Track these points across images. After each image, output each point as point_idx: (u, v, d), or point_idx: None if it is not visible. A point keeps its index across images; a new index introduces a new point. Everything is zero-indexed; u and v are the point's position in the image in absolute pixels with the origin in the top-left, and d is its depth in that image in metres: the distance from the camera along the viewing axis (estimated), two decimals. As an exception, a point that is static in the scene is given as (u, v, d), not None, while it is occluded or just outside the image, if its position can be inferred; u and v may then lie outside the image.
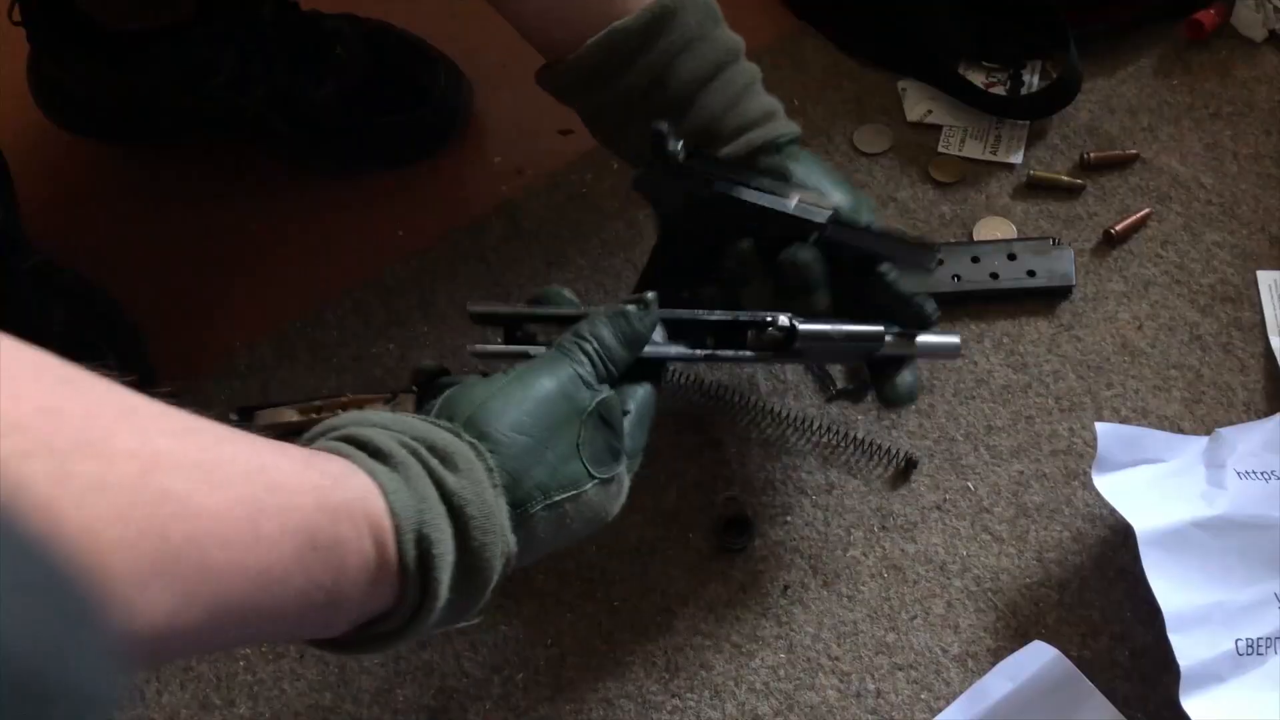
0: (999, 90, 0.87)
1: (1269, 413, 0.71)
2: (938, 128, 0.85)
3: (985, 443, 0.72)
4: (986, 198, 0.82)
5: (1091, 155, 0.83)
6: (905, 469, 0.71)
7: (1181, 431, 0.71)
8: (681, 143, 0.61)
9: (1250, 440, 0.65)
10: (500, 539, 0.46)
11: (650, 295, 0.55)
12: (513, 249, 0.83)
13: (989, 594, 0.66)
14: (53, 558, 0.26)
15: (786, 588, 0.67)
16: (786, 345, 0.59)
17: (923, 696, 0.63)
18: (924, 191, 0.83)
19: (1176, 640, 0.57)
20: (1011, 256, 0.78)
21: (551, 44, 0.63)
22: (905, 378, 0.64)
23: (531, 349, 0.55)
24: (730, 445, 0.72)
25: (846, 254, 0.62)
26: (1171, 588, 0.59)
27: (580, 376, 0.52)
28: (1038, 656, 0.62)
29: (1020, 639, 0.64)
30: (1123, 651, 0.63)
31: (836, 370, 0.75)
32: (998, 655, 0.64)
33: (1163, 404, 0.72)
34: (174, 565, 0.34)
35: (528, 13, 0.64)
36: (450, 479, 0.44)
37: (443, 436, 0.46)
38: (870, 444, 0.71)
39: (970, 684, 0.63)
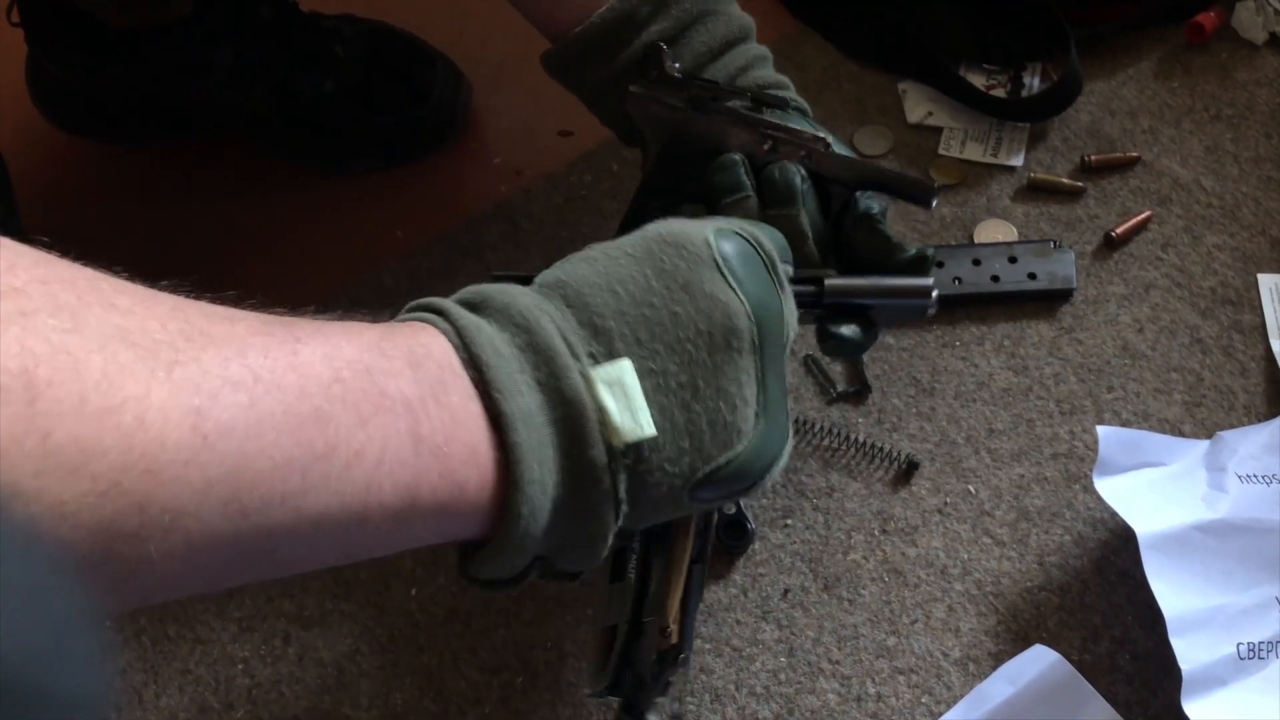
0: (999, 92, 0.87)
1: (1270, 416, 0.70)
2: (938, 130, 0.85)
3: (986, 446, 0.71)
4: (987, 200, 0.82)
5: (1092, 158, 0.83)
6: (906, 472, 0.70)
7: (1182, 435, 0.70)
8: (679, 64, 0.60)
9: (1251, 443, 0.65)
10: (591, 444, 0.42)
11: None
12: (511, 250, 0.83)
13: (990, 598, 0.66)
14: (40, 557, 0.25)
15: (787, 591, 0.67)
16: (815, 304, 0.55)
17: (923, 700, 0.63)
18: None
19: (1178, 644, 0.57)
20: (1012, 259, 0.78)
21: (556, 23, 0.62)
22: (851, 329, 0.56)
23: None
24: (730, 448, 0.72)
25: (837, 191, 0.58)
26: (1173, 591, 0.59)
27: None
28: (1039, 660, 0.62)
29: (1021, 643, 0.64)
30: (1124, 655, 0.63)
31: (837, 372, 0.75)
32: (999, 659, 0.63)
33: (1164, 407, 0.72)
34: (225, 444, 0.33)
35: None
36: (475, 323, 0.43)
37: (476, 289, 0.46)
38: (871, 447, 0.71)
39: (971, 688, 0.63)
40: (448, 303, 0.45)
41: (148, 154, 0.89)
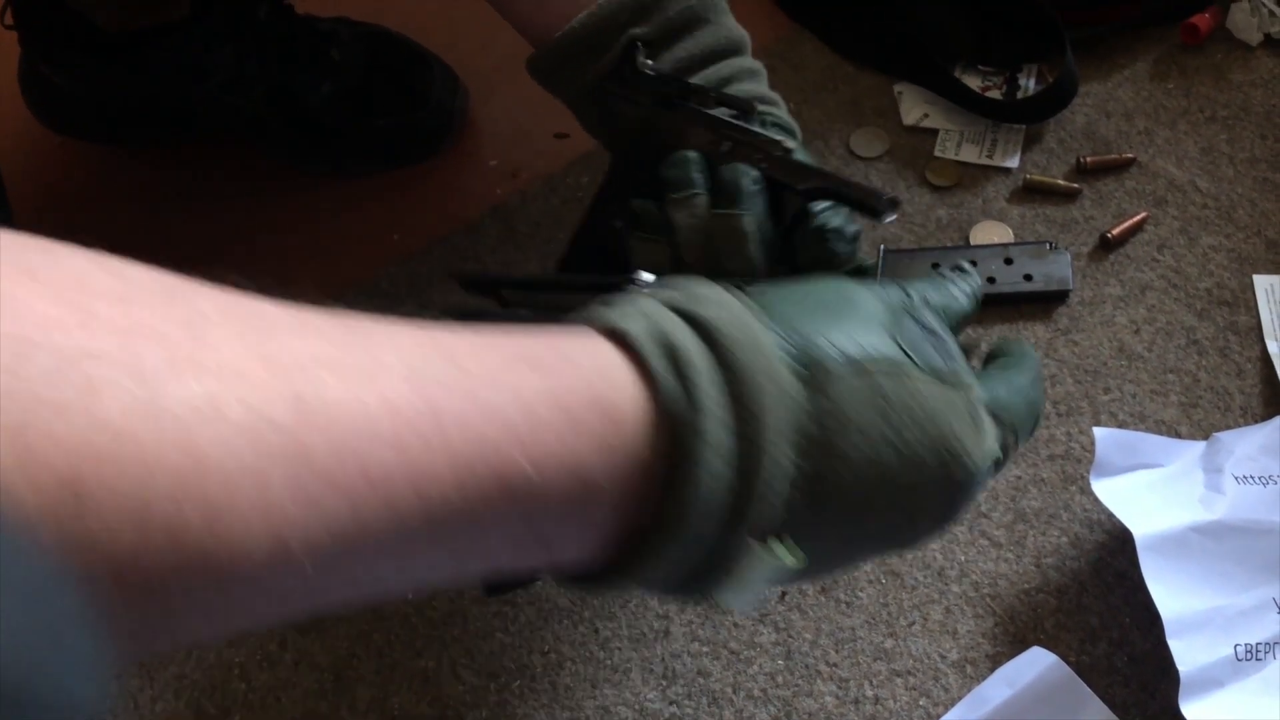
0: (995, 94, 0.87)
1: (1266, 417, 0.70)
2: (934, 132, 0.85)
3: (983, 447, 0.71)
4: (983, 202, 0.82)
5: (1088, 159, 0.83)
6: (903, 474, 0.70)
7: (1179, 436, 0.70)
8: (652, 63, 0.59)
9: (1248, 444, 0.65)
10: (772, 369, 0.35)
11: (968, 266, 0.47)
12: (508, 252, 0.83)
13: (987, 600, 0.66)
14: (37, 558, 0.25)
15: (784, 594, 0.67)
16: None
17: (921, 703, 0.63)
18: (920, 195, 0.83)
19: (1175, 645, 0.57)
20: (1008, 261, 0.78)
21: (538, 27, 0.62)
22: None
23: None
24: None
25: (791, 199, 0.55)
26: (1170, 593, 0.59)
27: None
28: (1036, 662, 0.62)
29: (1019, 645, 0.64)
30: (1121, 657, 0.63)
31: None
32: (996, 661, 0.63)
33: (1160, 408, 0.72)
34: (334, 482, 0.27)
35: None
36: (695, 308, 0.35)
37: (686, 281, 0.37)
38: (868, 449, 0.71)
39: (969, 690, 0.63)
40: (686, 344, 0.35)
41: (143, 157, 0.89)
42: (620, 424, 0.33)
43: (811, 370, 0.36)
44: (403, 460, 0.28)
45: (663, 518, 0.33)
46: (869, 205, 0.54)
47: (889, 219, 0.55)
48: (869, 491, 0.37)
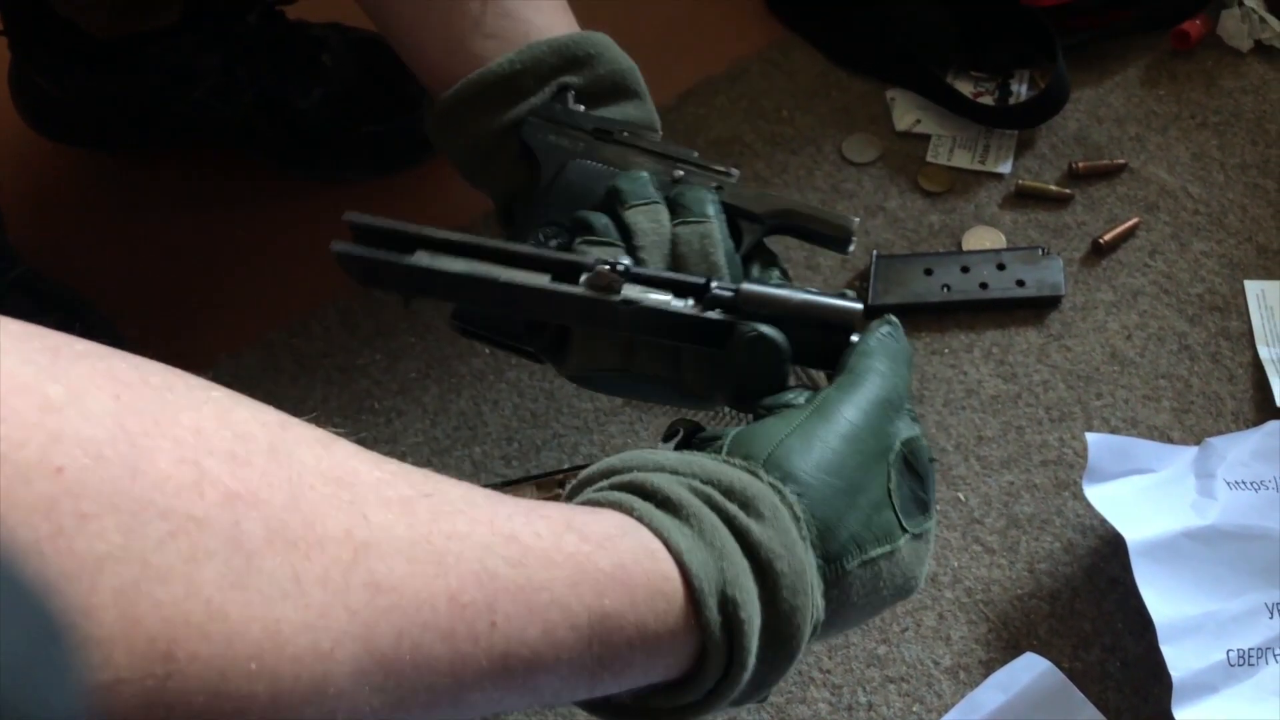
0: (987, 100, 0.87)
1: (1257, 422, 0.71)
2: (926, 137, 0.86)
3: (975, 453, 0.71)
4: (975, 207, 0.82)
5: (1079, 165, 0.83)
6: (896, 479, 0.70)
7: (1171, 441, 0.71)
8: (584, 107, 0.58)
9: (1240, 450, 0.65)
10: (810, 601, 0.39)
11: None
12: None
13: (980, 605, 0.66)
14: (17, 568, 0.25)
15: (777, 600, 0.67)
16: (729, 308, 0.48)
17: (915, 709, 0.63)
18: (913, 201, 0.83)
19: (1168, 651, 0.57)
20: (1001, 266, 0.78)
21: (446, 73, 0.59)
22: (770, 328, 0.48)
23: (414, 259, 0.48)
24: (720, 456, 0.72)
25: (748, 228, 0.55)
26: (1163, 598, 0.59)
27: (888, 402, 0.44)
28: (1030, 668, 0.62)
29: (1012, 650, 0.64)
30: (1114, 662, 0.63)
31: (825, 382, 0.75)
32: (990, 667, 0.63)
33: (1152, 414, 0.72)
34: (386, 666, 0.30)
35: (408, 44, 0.61)
36: (755, 529, 0.38)
37: (741, 478, 0.39)
38: (861, 454, 0.71)
39: (962, 696, 0.63)
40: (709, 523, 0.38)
41: (133, 163, 0.89)
42: (661, 656, 0.36)
43: (833, 569, 0.41)
44: (450, 650, 0.31)
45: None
46: (830, 237, 0.55)
47: (850, 250, 0.56)
48: (849, 628, 0.45)
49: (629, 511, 0.37)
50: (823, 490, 0.41)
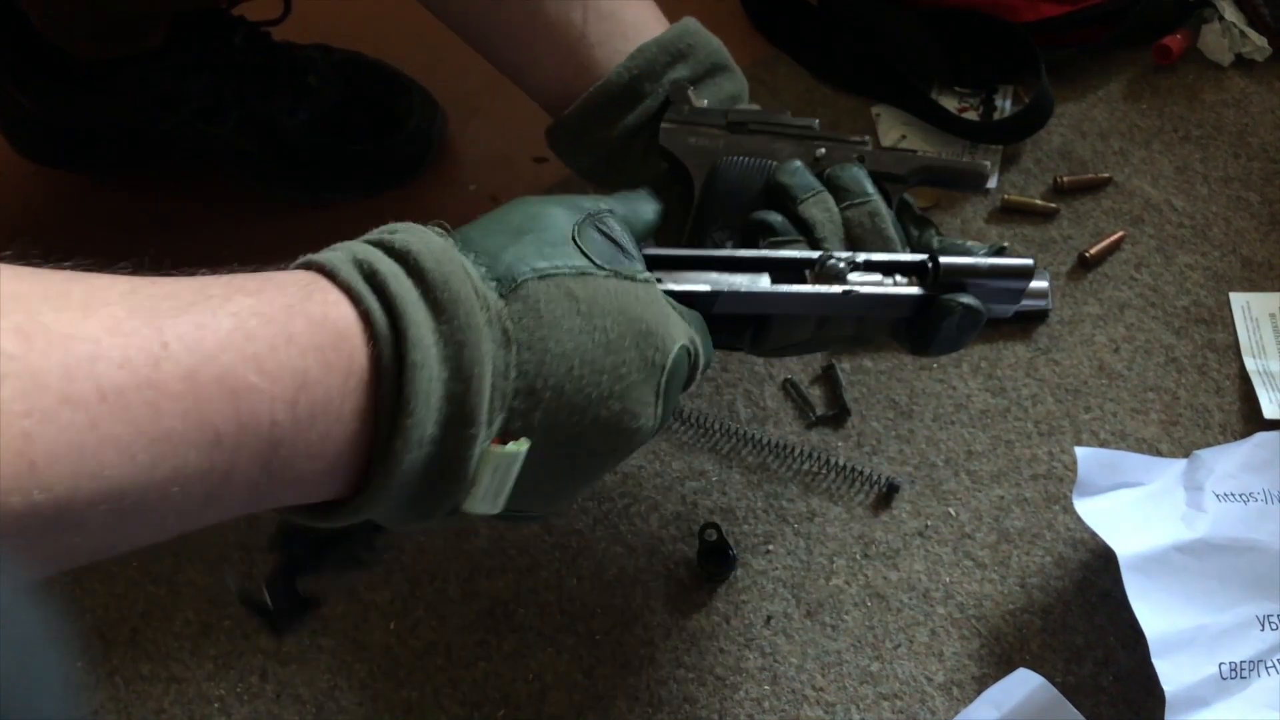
0: (972, 115, 0.87)
1: (1245, 434, 0.71)
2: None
3: (965, 468, 0.71)
4: (962, 222, 0.82)
5: (1064, 179, 0.83)
6: (886, 495, 0.70)
7: (1160, 454, 0.71)
8: (706, 102, 0.61)
9: (1228, 462, 0.65)
10: (465, 276, 0.39)
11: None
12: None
13: (972, 621, 0.66)
14: (20, 596, 0.25)
15: (769, 618, 0.66)
16: (931, 282, 0.53)
17: (908, 726, 0.63)
18: (899, 216, 0.83)
19: (1160, 665, 0.57)
20: (988, 281, 0.78)
21: (559, 90, 0.62)
22: (969, 299, 0.54)
23: None
24: (711, 474, 0.72)
25: (891, 188, 0.60)
26: (1154, 612, 0.59)
27: (568, 199, 0.46)
28: (1023, 684, 0.62)
29: (1004, 666, 0.64)
30: (1107, 676, 0.63)
31: (816, 396, 0.75)
32: (982, 683, 0.63)
33: (1140, 426, 0.73)
34: (61, 403, 0.29)
35: (520, 64, 0.63)
36: (388, 236, 0.40)
37: (396, 226, 0.41)
38: (851, 470, 0.71)
39: (956, 712, 0.62)
40: (381, 265, 0.39)
41: (119, 185, 0.88)
42: (336, 338, 0.36)
43: (503, 283, 0.41)
44: (133, 376, 0.30)
45: (390, 425, 0.36)
46: (969, 181, 0.61)
47: (989, 188, 0.61)
48: (581, 378, 0.41)
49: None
50: (479, 228, 0.42)
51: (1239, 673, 0.58)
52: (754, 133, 0.60)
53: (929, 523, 0.69)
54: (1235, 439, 0.71)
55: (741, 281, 0.52)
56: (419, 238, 0.40)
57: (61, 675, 0.25)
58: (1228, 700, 0.57)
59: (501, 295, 0.40)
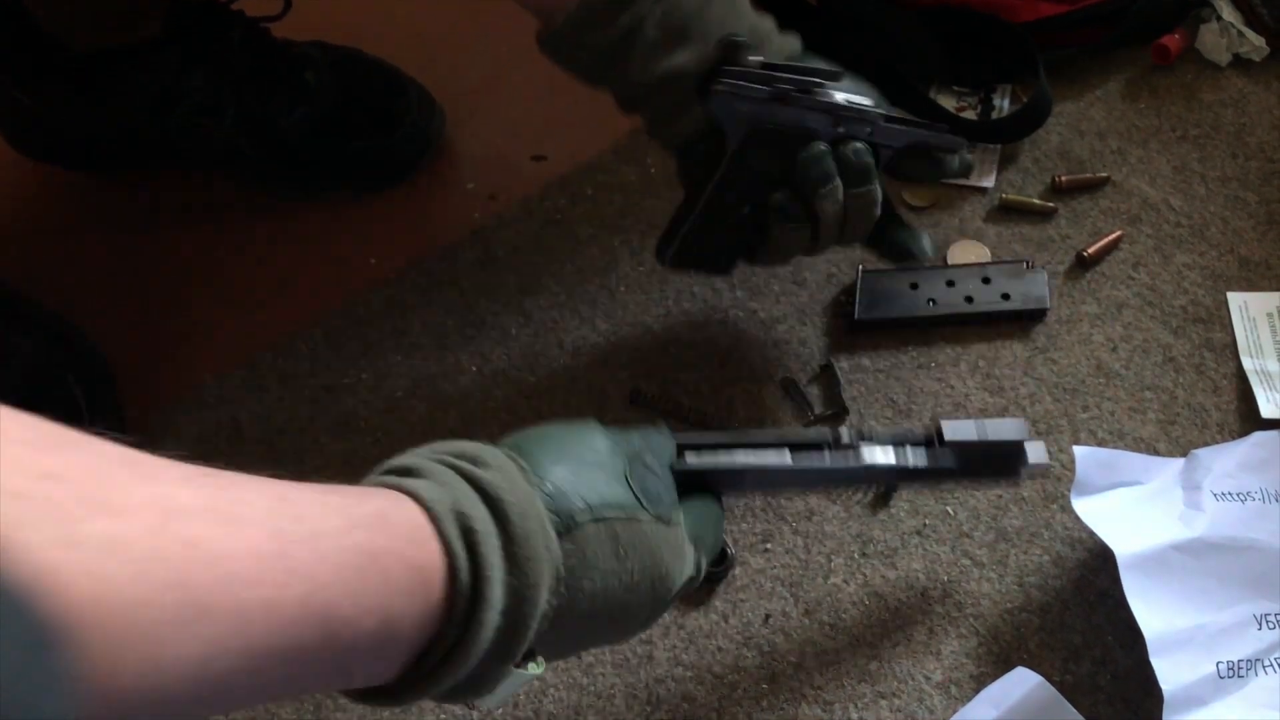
0: (970, 114, 0.87)
1: (1242, 433, 0.71)
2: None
3: (964, 467, 0.71)
4: (960, 222, 0.83)
5: (1062, 178, 0.83)
6: (885, 494, 0.70)
7: (1157, 453, 0.71)
8: (763, 58, 0.65)
9: (1225, 461, 0.65)
10: (542, 532, 0.44)
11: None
12: (486, 275, 0.82)
13: (970, 619, 0.66)
14: (22, 597, 0.25)
15: (768, 617, 0.67)
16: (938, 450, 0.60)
17: (906, 725, 0.63)
18: (898, 215, 0.83)
19: (1158, 664, 0.57)
20: (986, 280, 0.78)
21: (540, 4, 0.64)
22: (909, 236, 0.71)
23: None
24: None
25: (884, 153, 0.67)
26: (1152, 611, 0.59)
27: (625, 437, 0.52)
28: (1021, 683, 0.62)
29: (1002, 664, 0.64)
30: (1105, 675, 0.63)
31: (815, 395, 0.75)
32: (980, 681, 0.63)
33: (1138, 426, 0.73)
34: (203, 614, 0.32)
35: None
36: (481, 473, 0.43)
37: (475, 445, 0.45)
38: (849, 469, 0.71)
39: (953, 711, 0.62)
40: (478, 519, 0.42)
41: (117, 182, 0.88)
42: (425, 579, 0.40)
43: (564, 520, 0.45)
44: (259, 597, 0.34)
45: (450, 656, 0.41)
46: (949, 146, 0.69)
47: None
48: (598, 611, 0.47)
49: (379, 485, 0.43)
50: (551, 461, 0.46)
51: (1237, 672, 0.58)
52: (792, 104, 0.65)
53: (927, 521, 0.70)
54: (1233, 438, 0.71)
55: (769, 459, 0.57)
56: (508, 482, 0.43)
57: (61, 677, 0.26)
58: (1226, 699, 0.58)
59: (559, 533, 0.45)
